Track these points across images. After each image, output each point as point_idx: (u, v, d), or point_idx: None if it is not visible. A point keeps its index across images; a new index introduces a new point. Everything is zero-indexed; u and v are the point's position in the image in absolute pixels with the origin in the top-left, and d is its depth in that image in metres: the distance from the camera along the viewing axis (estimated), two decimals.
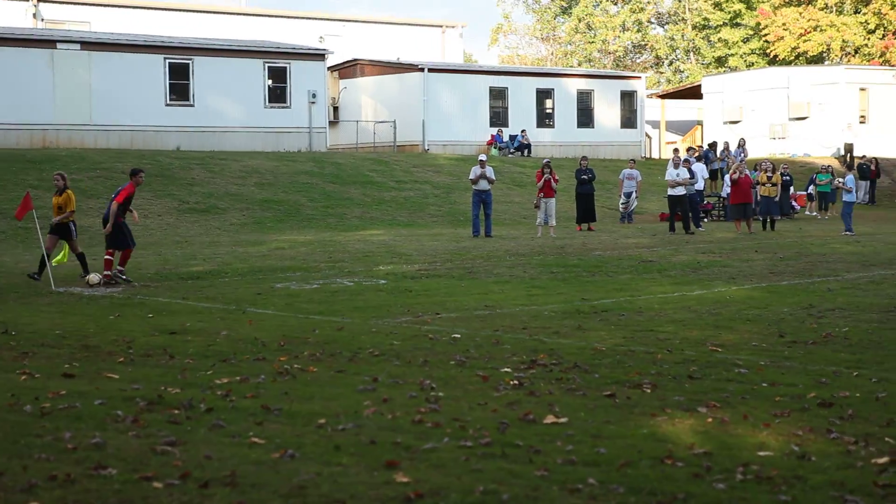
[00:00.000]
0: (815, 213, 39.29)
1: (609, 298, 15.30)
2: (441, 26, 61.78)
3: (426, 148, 46.70)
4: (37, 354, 10.92)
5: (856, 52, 71.04)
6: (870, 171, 44.03)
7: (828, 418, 7.86)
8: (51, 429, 7.46)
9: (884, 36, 70.36)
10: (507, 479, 6.24)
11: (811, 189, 40.00)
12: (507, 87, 49.64)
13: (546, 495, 5.97)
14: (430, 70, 47.65)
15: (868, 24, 70.66)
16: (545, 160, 31.30)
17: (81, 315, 14.25)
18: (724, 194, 37.59)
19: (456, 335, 11.91)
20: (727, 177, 36.58)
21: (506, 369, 9.78)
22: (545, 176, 28.59)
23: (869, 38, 70.71)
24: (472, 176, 28.68)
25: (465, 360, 10.30)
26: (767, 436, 7.32)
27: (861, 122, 51.86)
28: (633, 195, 34.83)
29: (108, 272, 18.13)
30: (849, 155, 48.03)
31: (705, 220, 35.10)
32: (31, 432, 7.36)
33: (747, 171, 31.34)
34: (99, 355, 10.85)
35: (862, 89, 52.39)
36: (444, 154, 45.55)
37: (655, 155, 57.91)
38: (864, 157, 45.73)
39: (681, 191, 29.56)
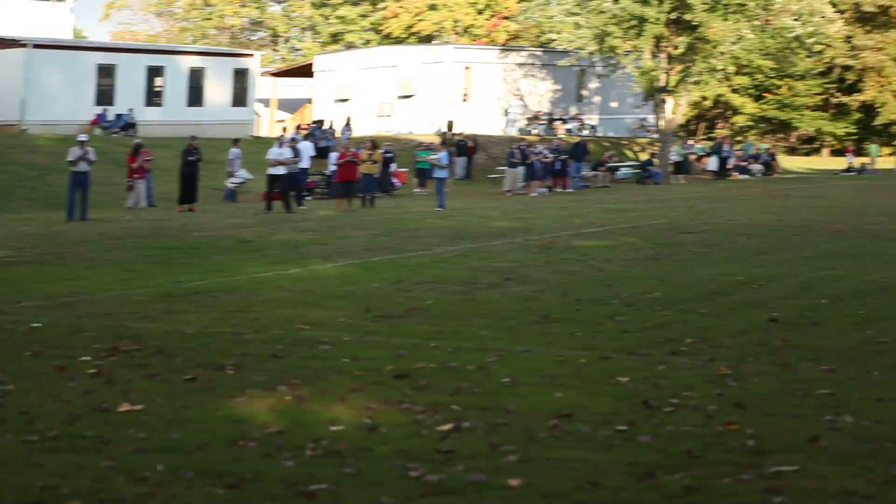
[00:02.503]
0: (417, 190, 40.62)
1: (204, 280, 15.12)
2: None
3: (25, 128, 44.48)
4: None
5: (465, 31, 74.05)
6: (466, 147, 45.97)
7: (402, 389, 8.13)
8: None
9: (491, 16, 73.86)
10: (70, 473, 6.05)
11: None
12: (116, 65, 48.02)
13: (110, 486, 5.82)
14: (36, 46, 45.35)
15: (477, 3, 73.90)
16: (137, 142, 30.55)
17: None
18: (328, 172, 38.14)
19: (36, 324, 11.37)
20: (332, 155, 37.15)
21: (85, 358, 9.44)
22: (139, 158, 27.85)
23: (477, 19, 73.93)
24: (70, 157, 27.50)
25: (41, 349, 9.85)
26: (341, 410, 7.48)
27: (464, 100, 53.85)
28: (245, 172, 34.79)
29: None
30: (448, 132, 49.98)
31: (308, 198, 35.45)
32: None
33: (354, 150, 31.88)
34: None
35: (467, 68, 54.28)
36: (44, 134, 43.54)
37: (265, 133, 57.86)
38: (460, 133, 47.69)
39: (281, 170, 29.59)
